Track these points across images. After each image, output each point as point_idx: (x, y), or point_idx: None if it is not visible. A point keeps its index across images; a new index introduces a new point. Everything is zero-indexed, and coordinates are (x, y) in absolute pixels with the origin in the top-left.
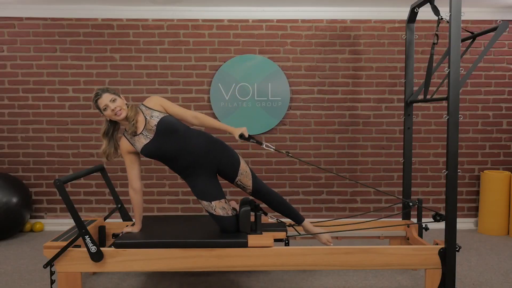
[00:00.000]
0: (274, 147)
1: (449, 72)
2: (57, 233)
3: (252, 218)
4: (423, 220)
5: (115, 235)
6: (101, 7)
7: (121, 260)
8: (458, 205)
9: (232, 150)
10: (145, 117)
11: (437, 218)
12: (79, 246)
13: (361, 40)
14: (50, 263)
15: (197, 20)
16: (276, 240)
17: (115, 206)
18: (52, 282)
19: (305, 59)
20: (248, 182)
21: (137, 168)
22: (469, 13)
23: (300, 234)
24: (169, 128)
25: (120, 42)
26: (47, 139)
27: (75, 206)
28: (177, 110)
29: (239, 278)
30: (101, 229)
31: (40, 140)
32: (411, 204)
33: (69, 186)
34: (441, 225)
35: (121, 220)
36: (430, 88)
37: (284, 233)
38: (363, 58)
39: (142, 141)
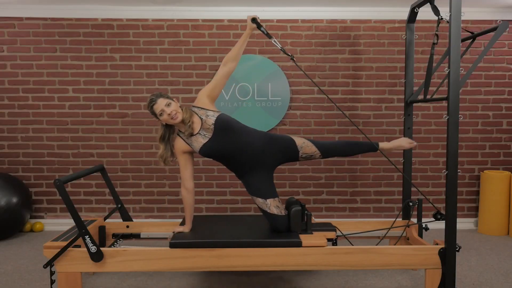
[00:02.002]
0: (281, 46)
1: (449, 72)
2: (57, 233)
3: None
4: (423, 220)
5: (115, 235)
6: (101, 7)
7: (121, 260)
8: (458, 205)
9: (283, 136)
10: (200, 117)
11: (438, 216)
12: (79, 246)
13: (361, 40)
14: (50, 263)
15: (197, 20)
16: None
17: (115, 206)
18: (52, 282)
19: (305, 59)
20: (312, 149)
21: (191, 168)
22: (469, 13)
23: (344, 235)
24: (225, 126)
25: (120, 42)
26: (47, 139)
27: (75, 206)
28: (215, 82)
29: (239, 278)
30: (101, 229)
31: (40, 140)
32: (411, 204)
33: (69, 186)
34: (441, 225)
35: (121, 220)
36: (430, 88)
37: (334, 232)
38: (363, 58)
39: (200, 140)
